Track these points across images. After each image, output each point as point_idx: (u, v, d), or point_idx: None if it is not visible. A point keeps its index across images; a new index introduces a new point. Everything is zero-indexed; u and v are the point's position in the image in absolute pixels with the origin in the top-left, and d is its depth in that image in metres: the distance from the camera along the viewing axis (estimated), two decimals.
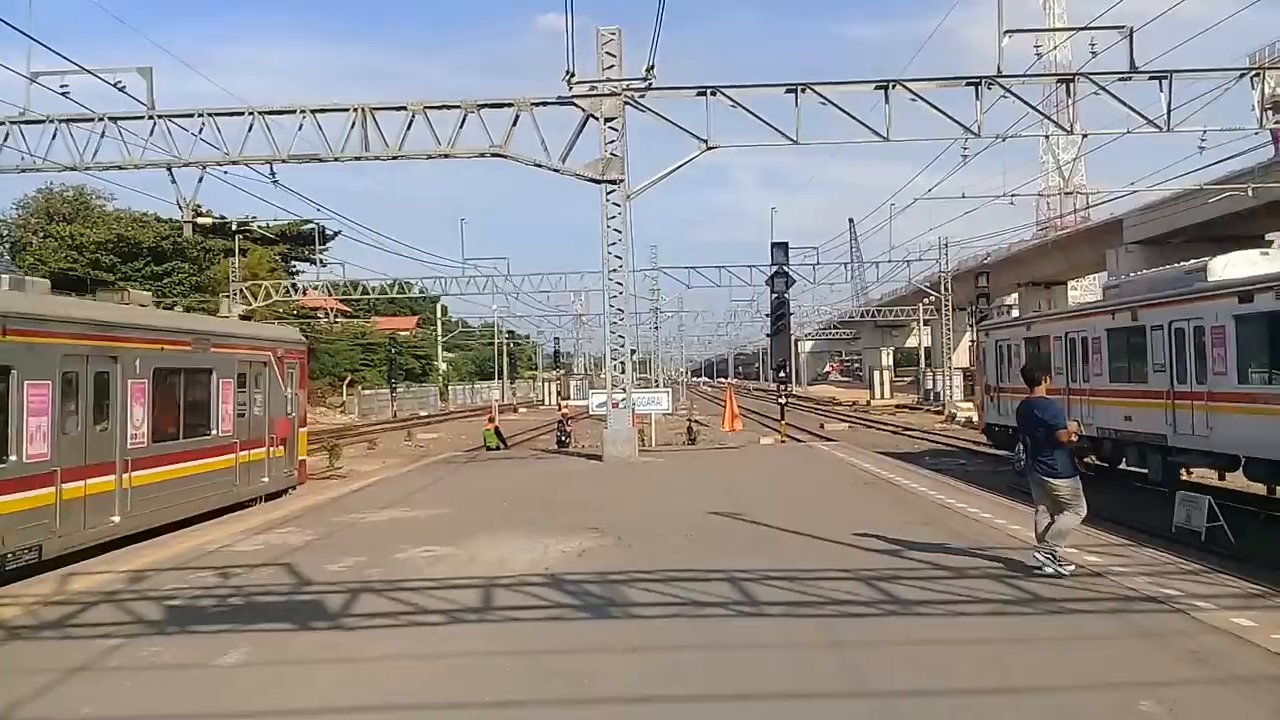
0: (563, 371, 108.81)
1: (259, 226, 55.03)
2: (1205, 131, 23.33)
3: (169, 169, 24.23)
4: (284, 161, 24.17)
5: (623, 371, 24.77)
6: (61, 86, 22.10)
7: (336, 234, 69.71)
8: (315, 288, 64.74)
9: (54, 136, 23.55)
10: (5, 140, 23.62)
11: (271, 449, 19.28)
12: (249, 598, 9.72)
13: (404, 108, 23.71)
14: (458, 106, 23.64)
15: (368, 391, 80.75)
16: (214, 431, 17.21)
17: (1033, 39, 23.43)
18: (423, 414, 79.24)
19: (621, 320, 24.98)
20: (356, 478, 25.37)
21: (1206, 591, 8.79)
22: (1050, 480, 9.67)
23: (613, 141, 23.39)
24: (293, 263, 76.25)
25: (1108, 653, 7.21)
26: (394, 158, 24.11)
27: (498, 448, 32.98)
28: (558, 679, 6.84)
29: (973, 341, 69.01)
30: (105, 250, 56.69)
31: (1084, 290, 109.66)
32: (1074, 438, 9.73)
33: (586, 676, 6.90)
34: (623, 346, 25.05)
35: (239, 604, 9.48)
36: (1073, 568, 9.49)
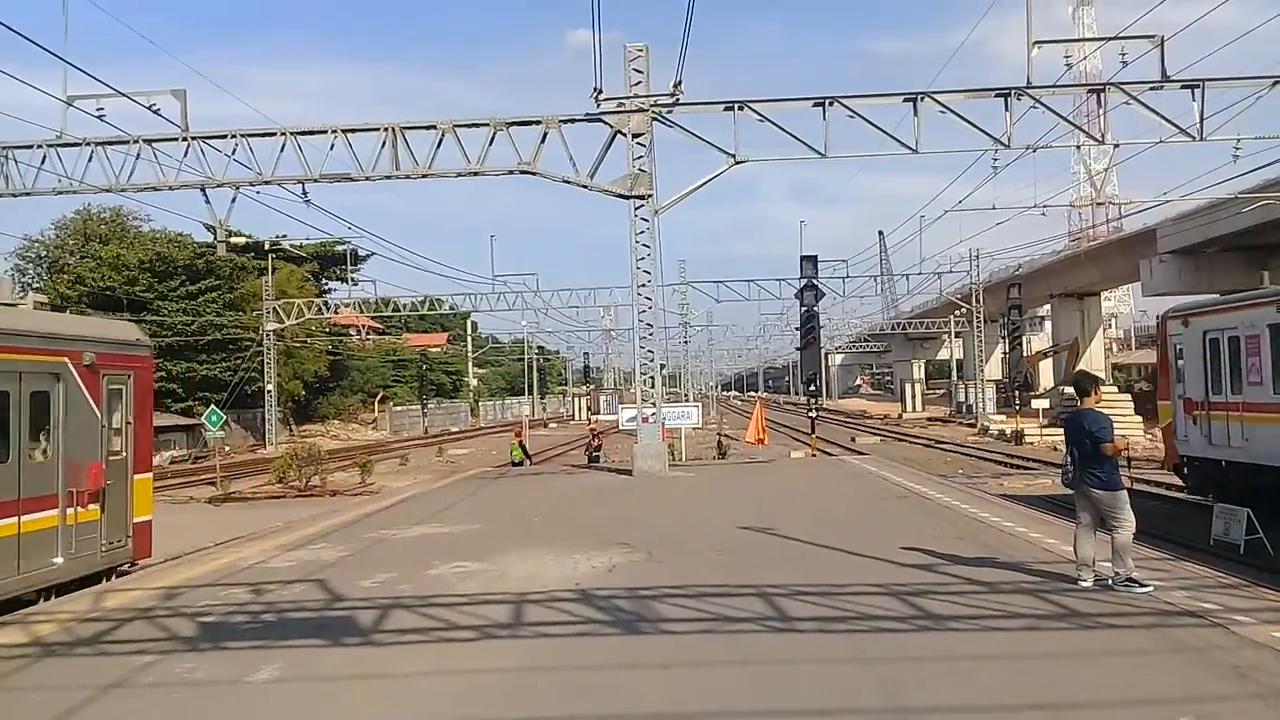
0: (592, 386, 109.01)
1: (292, 245, 55.68)
2: (1239, 140, 23.15)
3: (203, 189, 24.67)
4: (316, 181, 24.51)
5: (652, 386, 24.74)
6: (98, 110, 22.52)
7: (370, 255, 70.38)
8: (347, 305, 65.33)
9: (90, 159, 24.10)
10: (43, 163, 24.13)
11: (73, 511, 12.38)
12: (282, 614, 9.77)
13: (434, 126, 23.96)
14: (486, 124, 23.84)
15: (399, 408, 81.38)
16: None
17: (1062, 49, 23.28)
18: (454, 430, 79.73)
19: (651, 335, 24.98)
20: (388, 494, 25.53)
21: (1246, 605, 8.64)
22: (1098, 492, 9.56)
23: (640, 157, 23.48)
24: (324, 281, 77.00)
25: (1146, 668, 7.10)
26: (424, 176, 24.39)
27: (521, 462, 33.04)
28: (589, 696, 6.82)
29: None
30: (142, 270, 57.53)
31: (1118, 301, 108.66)
32: (1120, 451, 9.69)
33: (618, 693, 6.87)
34: (652, 361, 25.04)
35: (272, 620, 9.53)
36: (1152, 587, 9.31)
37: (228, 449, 45.19)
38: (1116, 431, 9.91)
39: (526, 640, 8.41)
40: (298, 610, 9.87)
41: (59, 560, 12.19)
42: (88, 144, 23.97)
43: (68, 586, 12.15)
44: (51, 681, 7.68)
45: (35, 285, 61.58)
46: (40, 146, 24.08)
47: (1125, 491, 9.71)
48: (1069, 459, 9.90)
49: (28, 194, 24.53)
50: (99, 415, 13.07)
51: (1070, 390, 56.45)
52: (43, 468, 12.15)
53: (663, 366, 32.46)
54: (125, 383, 13.88)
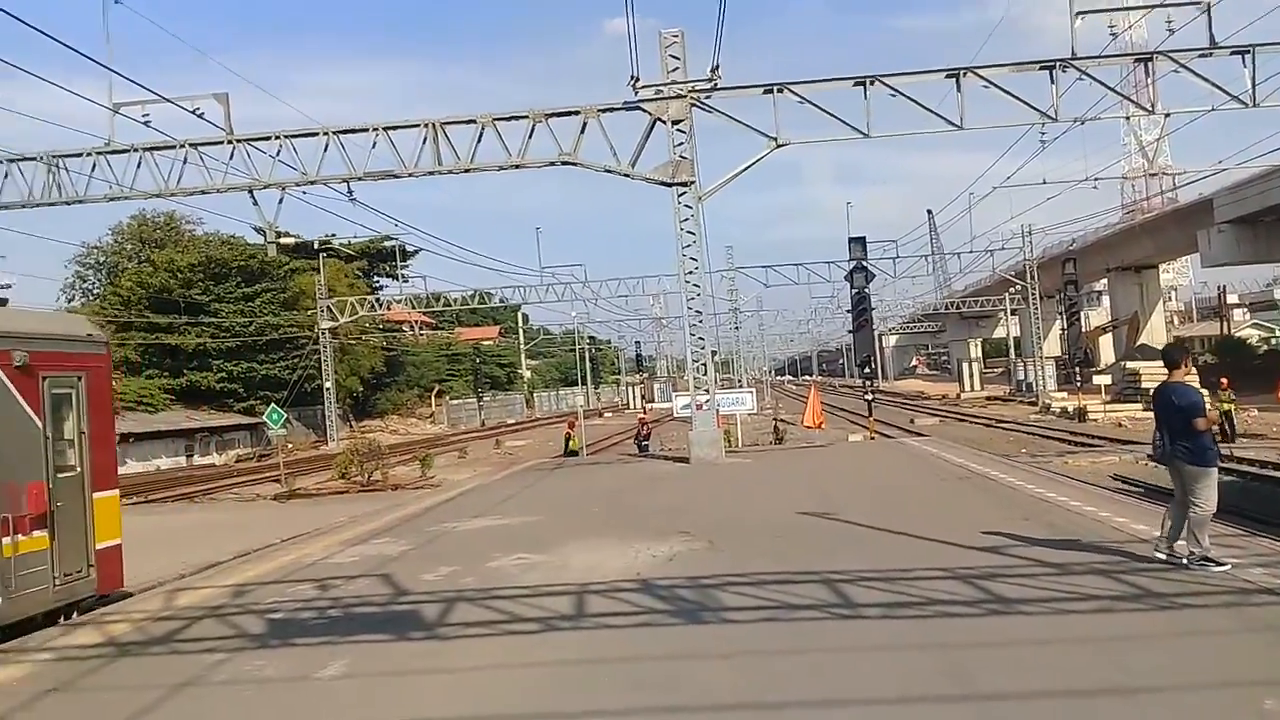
0: (645, 375, 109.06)
1: (340, 244, 56.40)
2: None
3: (250, 191, 25.15)
4: (360, 179, 24.91)
5: (705, 373, 24.70)
6: (143, 116, 23.00)
7: (417, 251, 71.05)
8: (398, 301, 65.99)
9: (139, 165, 24.67)
10: (93, 170, 24.80)
11: (10, 541, 10.25)
12: (347, 609, 9.87)
13: (473, 121, 24.17)
14: (526, 117, 23.98)
15: (455, 401, 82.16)
16: None
17: (1107, 19, 22.85)
18: (510, 421, 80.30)
19: (700, 322, 24.97)
20: (448, 486, 25.73)
21: None
22: (1186, 466, 9.29)
23: (681, 144, 23.47)
24: (374, 278, 77.91)
25: (1225, 649, 6.90)
26: (466, 170, 24.63)
27: (576, 453, 33.29)
28: (653, 686, 6.78)
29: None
30: (196, 272, 58.56)
31: (1176, 274, 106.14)
32: (1214, 424, 9.43)
33: (682, 683, 6.83)
34: (703, 348, 25.03)
35: (338, 615, 9.63)
36: (1229, 565, 9.04)
37: (290, 446, 45.86)
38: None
39: (589, 631, 8.41)
40: (363, 605, 9.96)
41: None
42: (135, 150, 24.54)
43: (16, 630, 10.08)
44: (126, 681, 7.82)
45: (95, 291, 63.11)
46: (90, 154, 24.69)
47: (1214, 470, 9.39)
48: (1159, 433, 9.63)
49: (80, 201, 25.15)
50: (39, 425, 10.95)
51: (1132, 365, 54.88)
52: None
53: (714, 353, 32.34)
54: (75, 386, 11.63)
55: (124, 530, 12.18)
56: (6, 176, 24.81)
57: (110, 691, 7.57)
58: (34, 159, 24.86)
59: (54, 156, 24.79)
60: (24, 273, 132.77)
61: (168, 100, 22.09)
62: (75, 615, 10.98)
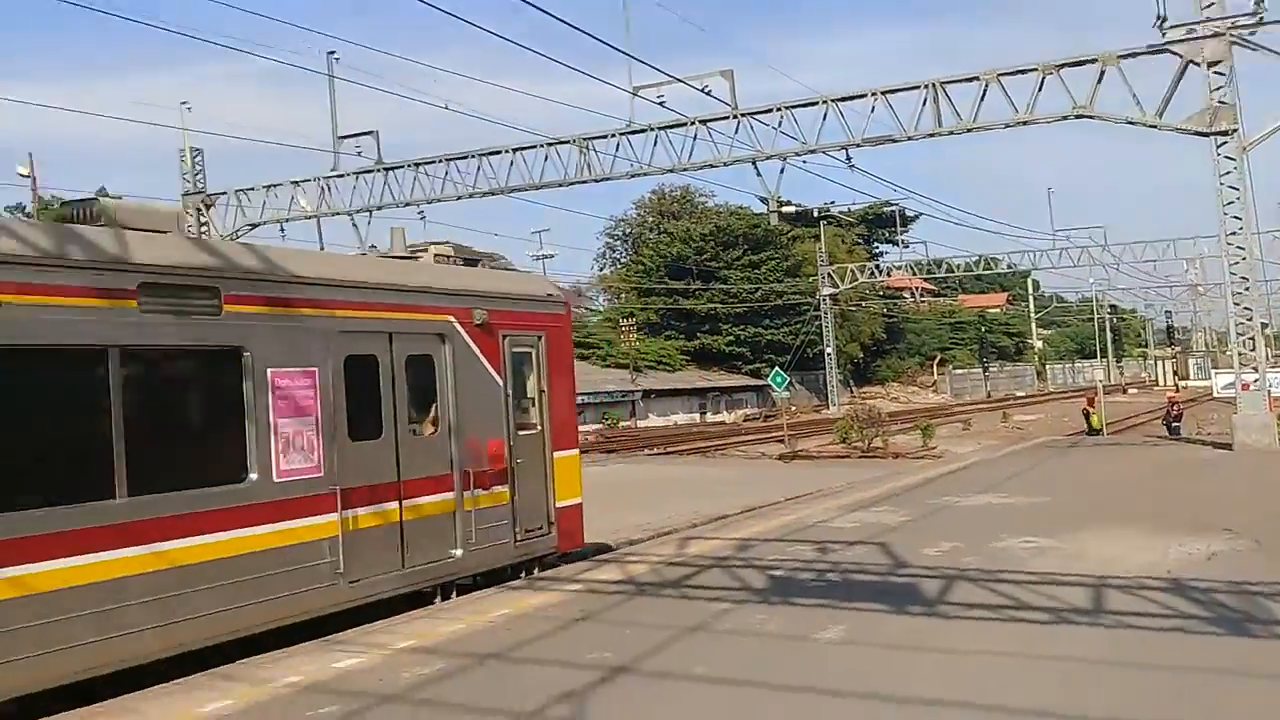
0: (1178, 349, 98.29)
1: (839, 211, 57.21)
2: None
3: (753, 163, 26.42)
4: (858, 145, 25.13)
5: (1252, 348, 22.04)
6: (658, 97, 25.10)
7: (917, 216, 70.09)
8: (898, 268, 65.53)
9: (655, 143, 26.87)
10: (617, 150, 27.51)
11: (471, 495, 10.44)
12: (845, 575, 9.91)
13: (976, 78, 23.32)
14: (1034, 70, 22.68)
15: (958, 371, 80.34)
16: (246, 476, 8.58)
17: None
18: (1018, 394, 76.85)
19: (1247, 290, 22.09)
20: (950, 459, 25.10)
21: None
22: None
23: (1220, 88, 20.84)
24: (873, 244, 78.15)
25: None
26: (969, 130, 23.90)
27: (1097, 431, 30.99)
28: (1188, 703, 5.95)
29: None
30: (708, 241, 62.61)
31: None
32: None
33: (1226, 703, 5.91)
34: (1250, 319, 22.24)
35: (835, 580, 9.70)
36: None
37: (793, 408, 47.55)
38: None
39: (1107, 629, 7.61)
40: (861, 573, 9.94)
41: (457, 552, 10.29)
42: (652, 129, 26.77)
43: (485, 580, 10.65)
44: (643, 619, 8.47)
45: (622, 260, 70.32)
46: (613, 135, 27.28)
47: None
48: None
49: (607, 179, 28.02)
50: (500, 383, 11.03)
51: None
52: (428, 445, 10.30)
53: (1265, 325, 28.16)
54: (535, 345, 11.67)
55: (647, 476, 13.28)
56: (547, 159, 28.16)
57: (629, 627, 8.23)
58: (568, 142, 27.96)
59: (584, 139, 27.72)
60: (564, 244, 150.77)
61: (679, 81, 23.89)
62: (535, 572, 11.20)
